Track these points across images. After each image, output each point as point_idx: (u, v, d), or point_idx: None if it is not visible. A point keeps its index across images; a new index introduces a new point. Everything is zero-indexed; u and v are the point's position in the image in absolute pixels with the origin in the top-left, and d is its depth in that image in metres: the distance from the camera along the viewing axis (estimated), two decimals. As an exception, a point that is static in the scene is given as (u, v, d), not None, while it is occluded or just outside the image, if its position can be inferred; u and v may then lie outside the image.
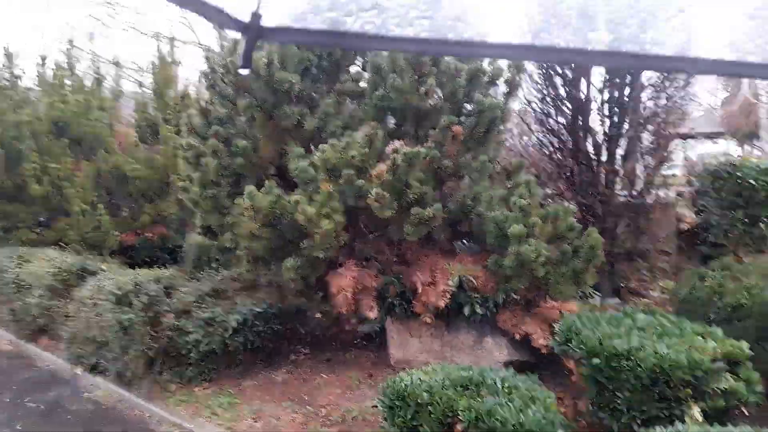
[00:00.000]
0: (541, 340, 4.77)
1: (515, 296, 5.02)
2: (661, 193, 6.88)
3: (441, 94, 4.85)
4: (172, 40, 10.56)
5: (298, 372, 5.99)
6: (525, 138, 7.20)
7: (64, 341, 6.60)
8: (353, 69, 5.88)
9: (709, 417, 3.63)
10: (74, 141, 9.30)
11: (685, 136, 7.59)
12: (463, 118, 5.07)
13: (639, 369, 3.73)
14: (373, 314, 4.96)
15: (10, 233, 9.10)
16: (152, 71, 10.19)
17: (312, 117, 5.02)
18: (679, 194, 7.51)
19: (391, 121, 5.31)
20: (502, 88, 5.30)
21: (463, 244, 6.12)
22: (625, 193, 6.87)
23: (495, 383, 3.91)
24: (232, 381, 5.80)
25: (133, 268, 7.43)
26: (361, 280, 4.82)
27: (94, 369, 6.23)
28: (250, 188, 4.62)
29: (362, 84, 5.90)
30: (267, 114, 4.98)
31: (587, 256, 4.92)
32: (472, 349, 5.20)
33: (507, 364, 4.89)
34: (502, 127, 5.33)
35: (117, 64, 11.26)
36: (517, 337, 5.00)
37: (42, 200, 8.77)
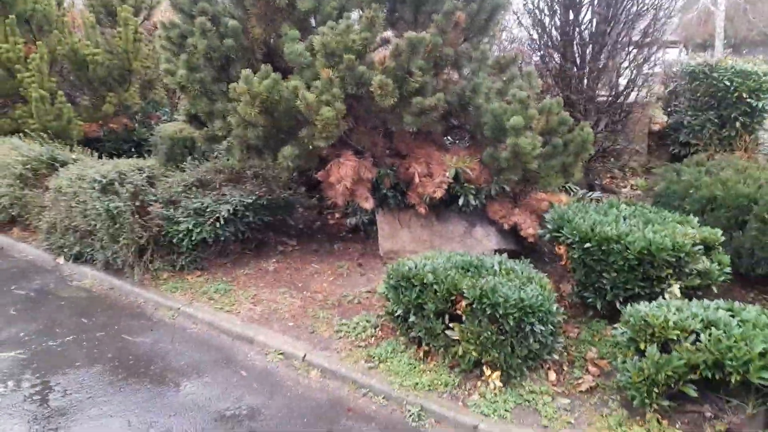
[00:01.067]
0: (530, 229, 5.01)
1: (506, 188, 5.19)
2: (642, 93, 7.03)
3: (442, -23, 4.63)
4: None
5: (288, 262, 6.13)
6: (515, 31, 7.08)
7: (43, 231, 6.45)
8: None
9: (685, 294, 4.03)
10: (20, 19, 8.47)
11: (667, 43, 7.64)
12: (462, 4, 4.90)
13: (627, 251, 4.03)
14: (369, 205, 5.04)
15: (-40, 122, 8.48)
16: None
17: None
18: (656, 95, 7.69)
19: (388, 5, 5.08)
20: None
21: (449, 139, 6.19)
22: (607, 92, 6.99)
23: (493, 266, 4.16)
24: (224, 270, 5.90)
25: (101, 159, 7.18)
26: (357, 170, 4.84)
27: (77, 258, 6.16)
28: (246, 72, 4.42)
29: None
30: (259, -9, 4.67)
31: (577, 149, 5.08)
32: (462, 238, 5.43)
33: (496, 252, 5.15)
34: (500, 16, 5.20)
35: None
36: (506, 227, 5.23)
37: (-7, 86, 8.13)
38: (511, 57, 5.51)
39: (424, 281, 3.97)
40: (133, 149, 9.53)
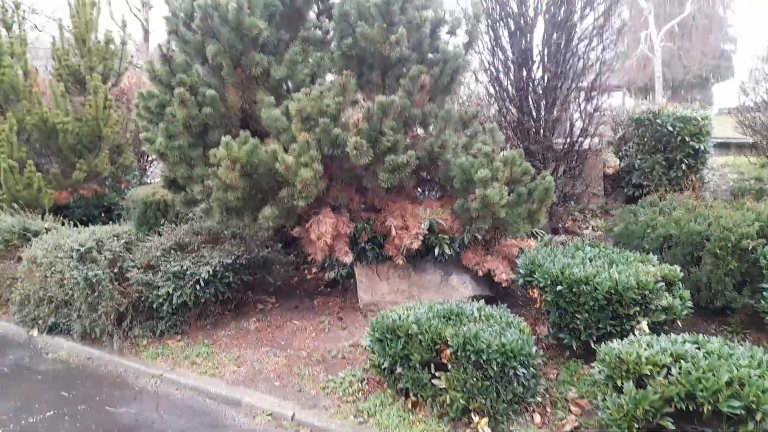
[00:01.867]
0: (503, 275, 5.25)
1: (478, 236, 5.45)
2: (595, 140, 7.53)
3: (407, 44, 5.00)
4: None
5: (269, 320, 6.17)
6: (472, 86, 7.54)
7: (15, 304, 6.32)
8: (312, 16, 5.87)
9: (652, 329, 4.29)
10: (-13, 91, 8.53)
11: (611, 88, 8.26)
12: (426, 68, 5.27)
13: (596, 292, 4.29)
14: (348, 259, 5.20)
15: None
16: (71, 14, 9.39)
17: (278, 65, 5.02)
18: (607, 141, 8.23)
19: (356, 69, 5.40)
20: (461, 38, 5.54)
21: (418, 191, 6.47)
22: (563, 141, 7.46)
23: (473, 313, 4.35)
24: (205, 332, 5.90)
25: (75, 227, 7.16)
26: (336, 226, 5.02)
27: (52, 330, 6.06)
28: (226, 138, 4.62)
29: (321, 32, 5.93)
30: (235, 61, 4.92)
31: (541, 197, 5.41)
32: (439, 287, 5.62)
33: (471, 299, 5.35)
34: (462, 77, 5.60)
35: (17, 6, 10.22)
36: (480, 273, 5.46)
37: (-41, 157, 8.05)
38: (473, 113, 5.89)
39: (409, 332, 4.12)
40: (103, 214, 9.49)
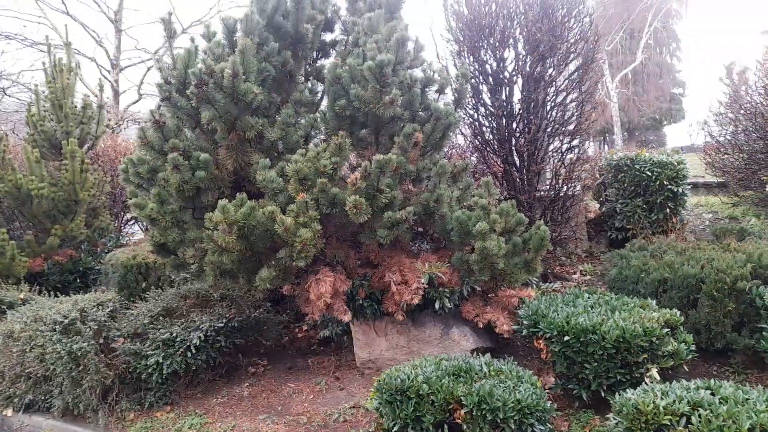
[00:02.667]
0: (504, 326, 5.20)
1: (476, 288, 5.42)
2: (578, 187, 7.71)
3: (399, 103, 5.09)
4: (68, 45, 9.71)
5: (263, 384, 5.93)
6: (454, 140, 7.70)
7: (-13, 382, 5.93)
8: (301, 78, 5.96)
9: (660, 376, 4.27)
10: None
11: (590, 136, 8.56)
12: (418, 126, 5.36)
13: (605, 341, 4.27)
14: (347, 317, 5.08)
15: None
16: (47, 80, 9.32)
17: (272, 128, 5.03)
18: (588, 187, 8.44)
19: (349, 129, 5.45)
20: (449, 96, 5.69)
21: (413, 244, 6.45)
22: (547, 189, 7.62)
23: (481, 368, 4.26)
24: (196, 401, 5.61)
25: (51, 296, 6.87)
26: (334, 285, 4.93)
27: (29, 408, 5.68)
28: (222, 202, 4.55)
29: (310, 94, 6.02)
30: (229, 125, 4.91)
31: (536, 246, 5.45)
32: (439, 341, 5.52)
33: (473, 352, 5.27)
34: (452, 133, 5.72)
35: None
36: (480, 325, 5.39)
37: (-73, 227, 7.71)
38: (463, 166, 5.98)
39: (420, 392, 3.99)
40: (78, 279, 9.14)
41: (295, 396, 5.62)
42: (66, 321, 5.27)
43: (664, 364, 4.32)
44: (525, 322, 4.86)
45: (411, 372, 4.23)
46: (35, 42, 16.96)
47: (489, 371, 4.21)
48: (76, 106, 9.52)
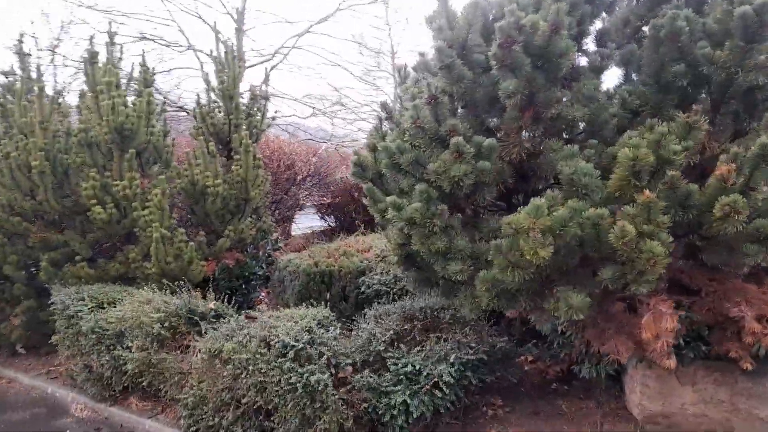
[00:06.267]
0: None
1: None
2: None
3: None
4: (217, 33, 9.10)
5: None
6: None
7: (187, 407, 5.10)
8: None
9: None
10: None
11: None
12: None
13: None
14: (671, 363, 3.70)
15: (60, 268, 7.47)
16: (216, 70, 8.70)
17: (580, 105, 3.78)
18: None
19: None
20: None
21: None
22: None
23: None
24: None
25: (224, 303, 6.06)
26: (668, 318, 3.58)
27: (237, 444, 4.78)
28: (536, 201, 3.34)
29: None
30: (527, 101, 3.70)
31: None
32: (789, 399, 4.01)
33: None
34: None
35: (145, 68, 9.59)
36: None
37: (105, 226, 7.19)
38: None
39: None
40: (243, 285, 8.43)
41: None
42: (299, 345, 4.27)
43: None
44: None
45: None
46: (170, 43, 17.01)
47: None
48: (242, 97, 8.85)
